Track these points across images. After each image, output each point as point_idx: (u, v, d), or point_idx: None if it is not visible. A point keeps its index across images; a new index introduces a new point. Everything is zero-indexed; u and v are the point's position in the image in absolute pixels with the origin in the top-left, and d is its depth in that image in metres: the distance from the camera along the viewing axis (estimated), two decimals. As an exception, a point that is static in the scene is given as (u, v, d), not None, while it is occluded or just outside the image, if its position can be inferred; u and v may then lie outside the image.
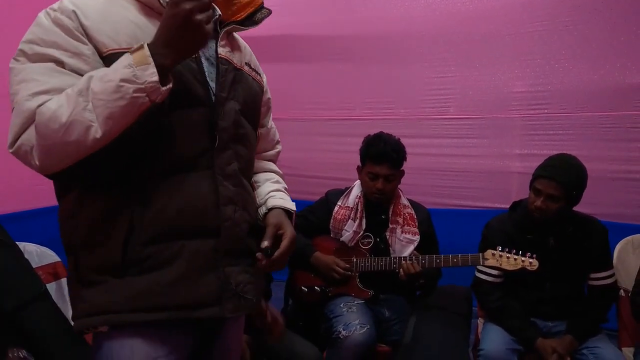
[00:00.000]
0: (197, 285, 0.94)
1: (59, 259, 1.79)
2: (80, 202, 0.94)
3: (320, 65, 3.29)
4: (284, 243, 1.03)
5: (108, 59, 0.86)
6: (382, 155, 1.86)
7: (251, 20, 1.07)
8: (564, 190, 1.69)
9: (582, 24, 2.65)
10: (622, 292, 1.88)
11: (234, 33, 1.08)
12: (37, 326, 1.42)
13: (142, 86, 0.79)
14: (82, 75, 0.84)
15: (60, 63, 0.85)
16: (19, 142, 0.83)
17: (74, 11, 0.87)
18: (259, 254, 0.99)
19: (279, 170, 1.28)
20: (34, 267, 1.63)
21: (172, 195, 0.92)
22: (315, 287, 1.95)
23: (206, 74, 0.98)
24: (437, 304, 1.89)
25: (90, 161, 0.82)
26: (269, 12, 1.09)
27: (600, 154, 2.67)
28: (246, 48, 1.13)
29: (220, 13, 1.04)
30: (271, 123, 1.26)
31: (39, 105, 0.81)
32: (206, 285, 0.95)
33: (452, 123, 3.01)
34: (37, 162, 0.83)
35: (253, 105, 1.10)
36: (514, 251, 1.71)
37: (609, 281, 1.82)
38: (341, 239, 1.95)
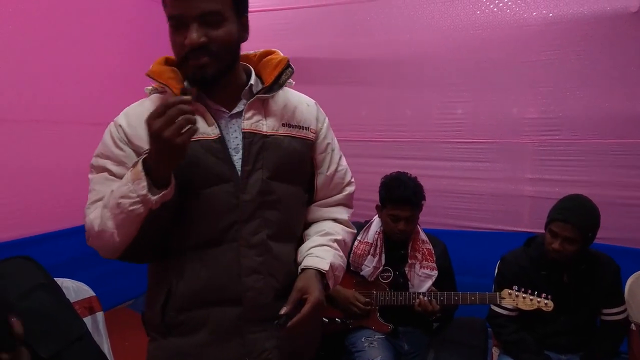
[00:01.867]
0: (221, 350, 1.04)
1: (94, 294, 1.87)
2: (149, 267, 1.13)
3: (334, 88, 3.34)
4: (305, 309, 1.01)
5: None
6: (404, 199, 1.92)
7: (278, 84, 1.08)
8: (580, 232, 1.75)
9: (594, 53, 2.69)
10: (633, 326, 1.94)
11: (270, 99, 1.09)
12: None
13: (138, 199, 0.91)
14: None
15: (111, 172, 1.02)
16: (89, 239, 1.04)
17: (120, 125, 1.04)
18: (276, 322, 1.00)
19: (340, 216, 1.22)
20: (71, 301, 1.73)
21: (200, 268, 1.03)
22: (336, 319, 2.02)
23: (234, 148, 1.04)
24: (454, 337, 1.96)
25: (131, 250, 0.99)
26: (292, 71, 1.11)
27: (610, 180, 2.73)
28: (286, 107, 1.12)
29: (252, 82, 1.08)
30: (336, 167, 1.20)
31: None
32: (230, 350, 1.05)
33: (464, 147, 3.06)
34: (102, 254, 1.03)
35: (291, 166, 1.10)
36: (530, 291, 1.77)
37: (620, 317, 1.88)
38: (361, 273, 2.01)
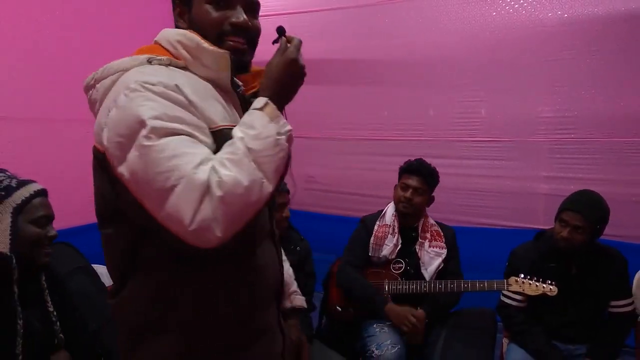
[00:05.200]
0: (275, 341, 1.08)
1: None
2: (174, 280, 0.91)
3: (353, 88, 3.44)
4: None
5: (215, 134, 0.87)
6: (416, 169, 2.11)
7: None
8: (589, 223, 1.81)
9: (608, 53, 2.72)
10: (640, 319, 1.99)
11: None
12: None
13: (286, 136, 0.86)
14: (207, 146, 0.84)
15: (193, 136, 0.82)
16: (198, 217, 0.76)
17: (176, 85, 0.84)
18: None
19: None
20: (107, 286, 1.88)
21: (268, 262, 1.02)
22: (350, 309, 2.14)
23: None
24: (464, 326, 2.04)
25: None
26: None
27: (624, 178, 2.75)
28: None
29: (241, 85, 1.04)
30: None
31: (210, 176, 0.78)
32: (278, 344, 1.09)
33: (480, 145, 3.11)
34: (220, 234, 0.78)
35: None
36: (535, 278, 1.85)
37: (627, 309, 1.93)
38: (382, 253, 2.13)
